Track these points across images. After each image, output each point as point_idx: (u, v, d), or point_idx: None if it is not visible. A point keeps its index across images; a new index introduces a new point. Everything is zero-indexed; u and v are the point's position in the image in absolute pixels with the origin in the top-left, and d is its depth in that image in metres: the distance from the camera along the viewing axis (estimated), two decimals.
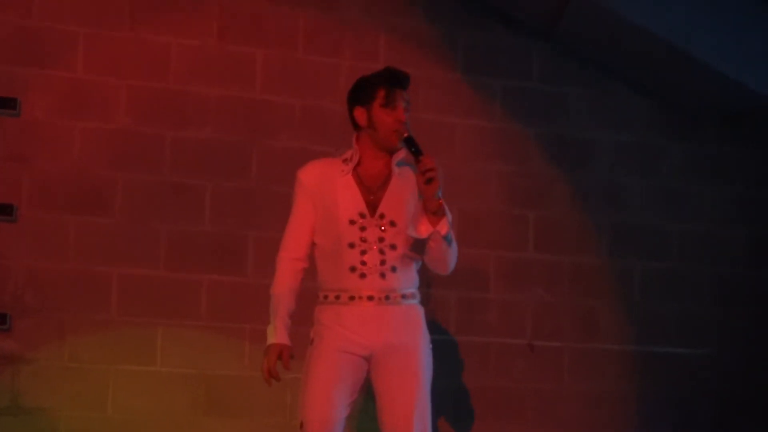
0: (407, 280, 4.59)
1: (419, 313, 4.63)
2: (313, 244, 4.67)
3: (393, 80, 4.59)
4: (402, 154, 4.62)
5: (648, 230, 7.22)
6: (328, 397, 4.50)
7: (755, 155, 7.44)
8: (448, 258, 4.56)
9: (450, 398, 6.58)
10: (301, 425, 4.52)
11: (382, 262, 4.53)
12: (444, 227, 4.44)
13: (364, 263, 4.53)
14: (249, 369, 6.28)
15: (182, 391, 6.25)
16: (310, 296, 4.72)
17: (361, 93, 4.64)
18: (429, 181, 4.38)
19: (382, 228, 4.54)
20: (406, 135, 4.51)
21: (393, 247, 4.53)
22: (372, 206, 4.56)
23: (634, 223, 7.19)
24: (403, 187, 4.57)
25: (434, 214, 4.43)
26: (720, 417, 7.22)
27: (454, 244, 4.57)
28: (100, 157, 6.25)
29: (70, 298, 6.12)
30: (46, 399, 6.03)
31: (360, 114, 4.63)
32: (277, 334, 4.57)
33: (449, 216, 4.50)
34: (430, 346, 4.62)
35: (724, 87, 6.95)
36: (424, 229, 4.44)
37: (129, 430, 6.13)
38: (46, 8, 6.21)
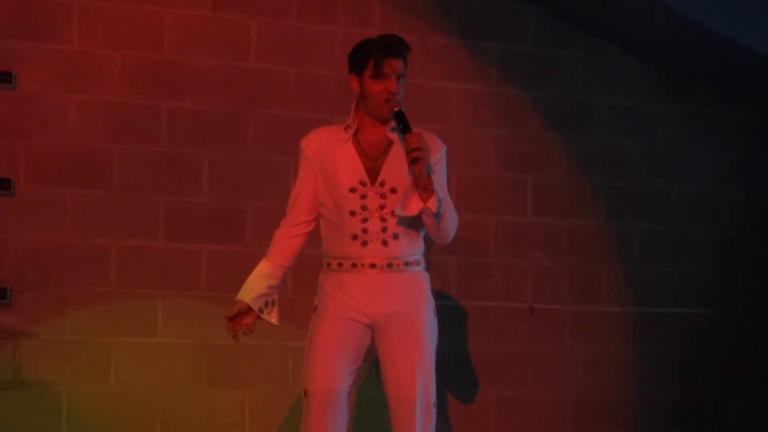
0: (411, 247, 4.58)
1: (423, 280, 4.63)
2: (316, 211, 4.66)
3: (384, 50, 4.53)
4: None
5: (646, 193, 7.22)
6: (332, 365, 4.51)
7: (753, 116, 7.44)
8: (443, 230, 4.56)
9: (451, 363, 6.59)
10: (306, 393, 4.53)
11: (384, 230, 4.52)
12: (433, 204, 4.41)
13: (365, 231, 4.52)
14: (250, 338, 6.24)
15: (184, 362, 6.25)
16: (313, 264, 4.72)
17: (354, 61, 4.61)
18: (414, 161, 4.37)
19: (383, 195, 4.52)
20: (396, 109, 4.48)
21: (395, 214, 4.50)
22: (372, 174, 4.54)
23: (632, 185, 7.19)
24: (403, 155, 4.52)
25: (424, 190, 4.41)
26: (721, 377, 7.24)
27: (452, 215, 4.56)
28: (96, 130, 6.22)
29: (69, 271, 6.11)
30: (47, 373, 6.03)
31: (354, 82, 4.61)
32: (243, 291, 4.69)
33: (442, 191, 4.48)
34: (435, 312, 4.63)
35: (721, 48, 6.93)
36: (414, 206, 4.43)
37: (131, 402, 6.14)
38: None
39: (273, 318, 4.71)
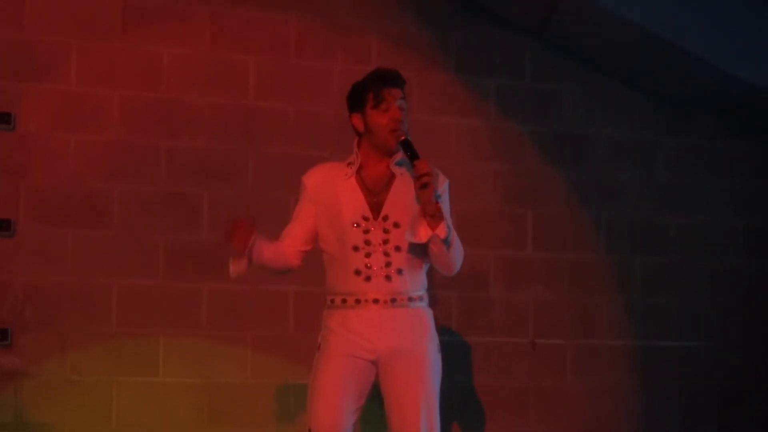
0: (414, 283, 4.56)
1: (427, 316, 4.60)
2: (308, 244, 4.66)
3: (381, 80, 4.56)
4: (401, 154, 4.59)
5: (645, 225, 7.23)
6: (336, 402, 4.48)
7: (750, 147, 7.45)
8: (451, 260, 4.53)
9: (453, 398, 6.58)
10: None
11: (387, 264, 4.50)
12: (443, 231, 4.41)
13: (368, 266, 4.50)
14: (252, 377, 6.27)
15: (186, 401, 6.23)
16: (314, 302, 4.71)
17: (354, 99, 4.64)
18: (424, 186, 4.36)
19: (386, 230, 4.52)
20: (403, 138, 4.49)
21: (398, 248, 4.50)
22: (375, 209, 4.53)
23: (631, 218, 7.20)
24: (406, 188, 4.53)
25: (432, 217, 4.40)
26: (723, 408, 7.22)
27: (458, 246, 4.54)
28: (95, 169, 6.23)
29: (70, 311, 6.11)
30: (49, 413, 6.01)
31: (357, 120, 4.61)
32: None
33: (448, 220, 4.48)
34: (439, 348, 4.61)
35: (716, 80, 6.95)
36: (423, 233, 4.41)
37: None
38: (38, 21, 6.19)
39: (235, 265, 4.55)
